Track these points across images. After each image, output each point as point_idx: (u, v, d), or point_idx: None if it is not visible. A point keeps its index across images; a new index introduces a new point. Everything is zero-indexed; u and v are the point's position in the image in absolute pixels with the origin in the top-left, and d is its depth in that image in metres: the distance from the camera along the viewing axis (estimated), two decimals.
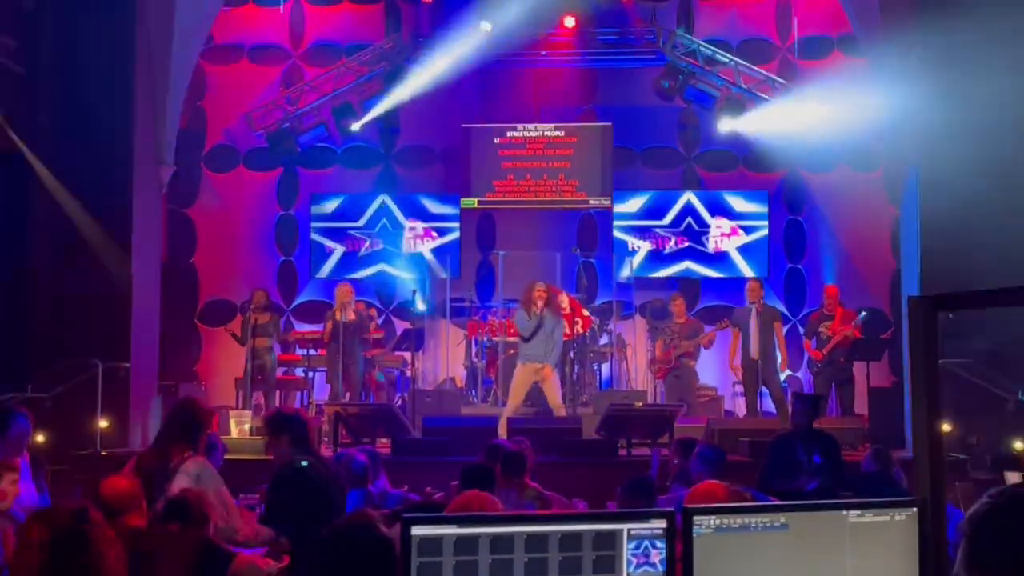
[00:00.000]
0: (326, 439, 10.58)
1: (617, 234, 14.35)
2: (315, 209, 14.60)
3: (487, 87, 14.84)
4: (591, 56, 14.42)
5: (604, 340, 13.32)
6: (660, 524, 2.50)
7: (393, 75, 14.09)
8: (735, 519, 2.54)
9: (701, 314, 13.82)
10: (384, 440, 10.36)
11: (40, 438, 9.76)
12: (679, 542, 2.50)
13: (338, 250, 14.55)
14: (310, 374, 13.30)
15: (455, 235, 14.55)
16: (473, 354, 13.13)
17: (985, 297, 2.64)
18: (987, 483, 8.51)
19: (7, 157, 10.94)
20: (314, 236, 14.57)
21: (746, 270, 14.01)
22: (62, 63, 11.26)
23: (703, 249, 14.27)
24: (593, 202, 14.44)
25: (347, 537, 2.80)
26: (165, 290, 12.62)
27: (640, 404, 11.04)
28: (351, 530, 2.83)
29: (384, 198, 14.63)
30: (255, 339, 12.16)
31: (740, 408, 12.92)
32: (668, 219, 14.33)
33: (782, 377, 12.25)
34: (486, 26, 13.90)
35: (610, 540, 2.46)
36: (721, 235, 14.24)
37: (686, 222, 14.29)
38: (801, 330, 12.94)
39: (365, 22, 14.83)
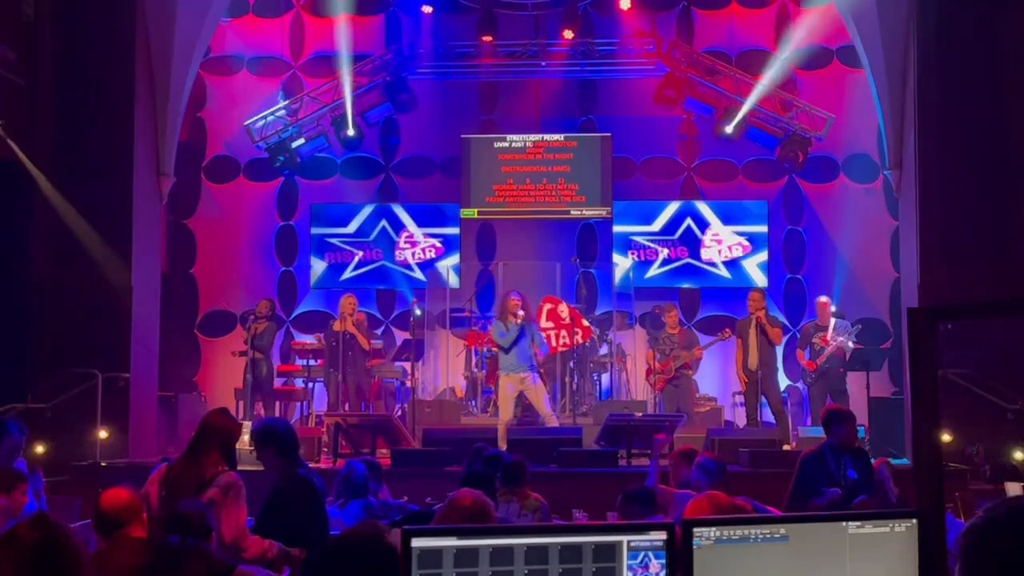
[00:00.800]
0: (326, 450, 10.59)
1: (616, 244, 14.36)
2: (315, 220, 14.61)
3: (487, 98, 14.88)
4: (590, 67, 14.45)
5: (604, 350, 13.32)
6: (660, 536, 2.50)
7: (393, 86, 14.13)
8: (735, 531, 2.54)
9: (701, 324, 13.84)
10: (384, 450, 10.36)
11: (40, 448, 9.79)
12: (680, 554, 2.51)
13: (338, 261, 14.55)
14: (310, 385, 13.29)
15: (455, 245, 14.56)
16: (473, 364, 13.13)
17: (983, 308, 2.65)
18: (987, 493, 8.51)
19: (7, 167, 10.96)
20: (314, 246, 14.57)
21: (745, 280, 14.01)
22: (62, 74, 11.29)
23: (702, 259, 14.27)
24: (593, 212, 14.45)
25: (355, 547, 2.79)
26: (165, 301, 12.63)
27: (640, 414, 11.03)
28: (359, 540, 2.82)
29: (384, 208, 14.64)
30: (253, 350, 12.16)
31: (740, 418, 12.91)
32: (668, 229, 14.33)
33: (782, 387, 12.25)
34: (486, 38, 13.96)
35: (610, 552, 2.46)
36: (720, 245, 14.23)
37: (685, 232, 14.28)
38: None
39: (365, 33, 14.86)
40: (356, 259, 14.54)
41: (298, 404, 13.44)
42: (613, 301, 13.99)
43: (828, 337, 11.63)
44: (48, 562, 2.66)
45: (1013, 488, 7.81)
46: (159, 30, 11.79)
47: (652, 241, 14.33)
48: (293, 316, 14.71)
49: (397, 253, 14.55)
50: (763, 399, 11.61)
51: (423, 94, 14.47)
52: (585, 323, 12.58)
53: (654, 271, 14.33)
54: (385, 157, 14.96)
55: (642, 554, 2.48)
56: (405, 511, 6.54)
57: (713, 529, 2.52)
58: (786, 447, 10.64)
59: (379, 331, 14.02)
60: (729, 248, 14.21)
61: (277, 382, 12.89)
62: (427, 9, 14.02)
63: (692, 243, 14.27)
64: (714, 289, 14.34)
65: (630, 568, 2.47)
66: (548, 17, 14.42)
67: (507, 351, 10.73)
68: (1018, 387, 9.89)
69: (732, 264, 14.22)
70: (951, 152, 10.73)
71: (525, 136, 14.53)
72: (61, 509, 6.75)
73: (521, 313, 10.69)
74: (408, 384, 12.67)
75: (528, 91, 14.90)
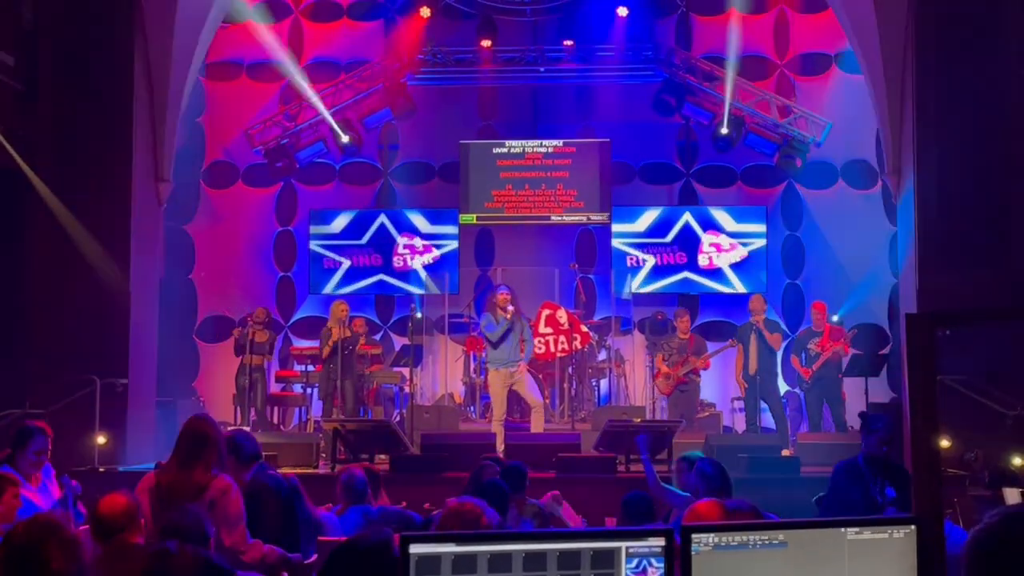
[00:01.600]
0: (324, 455, 10.58)
1: (615, 250, 14.35)
2: (313, 225, 14.60)
3: (485, 104, 14.88)
4: (589, 72, 14.46)
5: (602, 356, 13.32)
6: (658, 542, 2.50)
7: (392, 92, 14.14)
8: (734, 537, 2.54)
9: (699, 330, 13.82)
10: (382, 456, 10.34)
11: None
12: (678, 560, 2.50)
13: (337, 266, 14.55)
14: (308, 390, 13.28)
15: (453, 251, 14.56)
16: (471, 370, 13.13)
17: (983, 314, 2.65)
18: (985, 500, 8.51)
19: (5, 173, 10.95)
20: (313, 252, 14.57)
21: (744, 286, 14.01)
22: (61, 79, 11.28)
23: (701, 265, 14.27)
24: (591, 218, 14.45)
25: (365, 553, 2.78)
26: (163, 306, 12.60)
27: (639, 420, 11.03)
28: (370, 545, 2.81)
29: (382, 214, 14.65)
30: (251, 355, 12.15)
31: (739, 424, 12.91)
32: (666, 235, 14.33)
33: (781, 392, 12.26)
34: (485, 43, 13.98)
35: (608, 558, 2.46)
36: (719, 251, 14.24)
37: (684, 237, 14.27)
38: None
39: (364, 39, 14.88)
40: (355, 264, 14.52)
41: (296, 410, 13.43)
42: (612, 307, 13.99)
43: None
44: None
45: (1012, 494, 7.80)
46: (158, 35, 11.78)
47: (650, 247, 14.32)
48: (291, 322, 14.70)
49: (395, 259, 14.54)
50: (763, 405, 11.63)
51: (422, 100, 14.48)
52: (584, 328, 12.59)
53: (652, 276, 14.32)
54: (384, 163, 14.96)
55: (641, 560, 2.48)
56: (404, 518, 6.52)
57: (712, 535, 2.52)
58: (785, 452, 10.66)
59: (378, 336, 14.01)
60: (727, 253, 14.21)
61: (275, 388, 12.88)
62: (425, 13, 14.02)
63: (690, 248, 14.26)
64: (712, 295, 14.34)
65: (628, 573, 2.46)
66: (547, 23, 14.45)
67: (495, 345, 10.84)
68: (1017, 392, 9.88)
69: (729, 270, 14.21)
70: (950, 158, 10.73)
71: (524, 142, 14.53)
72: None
73: (511, 308, 10.78)
74: (406, 389, 12.67)
75: (527, 97, 14.92)
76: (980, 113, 10.64)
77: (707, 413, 12.71)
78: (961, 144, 10.66)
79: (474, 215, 14.53)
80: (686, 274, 14.25)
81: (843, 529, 2.61)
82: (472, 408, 13.01)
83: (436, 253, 14.52)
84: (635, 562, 2.47)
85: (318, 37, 14.89)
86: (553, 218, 14.49)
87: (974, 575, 1.91)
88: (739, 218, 14.25)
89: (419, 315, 13.15)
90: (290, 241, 14.89)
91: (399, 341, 14.10)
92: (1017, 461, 9.51)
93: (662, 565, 2.49)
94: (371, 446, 10.42)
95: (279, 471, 6.22)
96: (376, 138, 14.80)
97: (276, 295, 14.71)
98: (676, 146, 14.78)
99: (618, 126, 14.67)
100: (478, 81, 14.59)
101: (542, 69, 14.42)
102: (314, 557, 5.27)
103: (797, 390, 12.67)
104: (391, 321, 14.66)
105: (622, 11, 13.86)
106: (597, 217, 14.43)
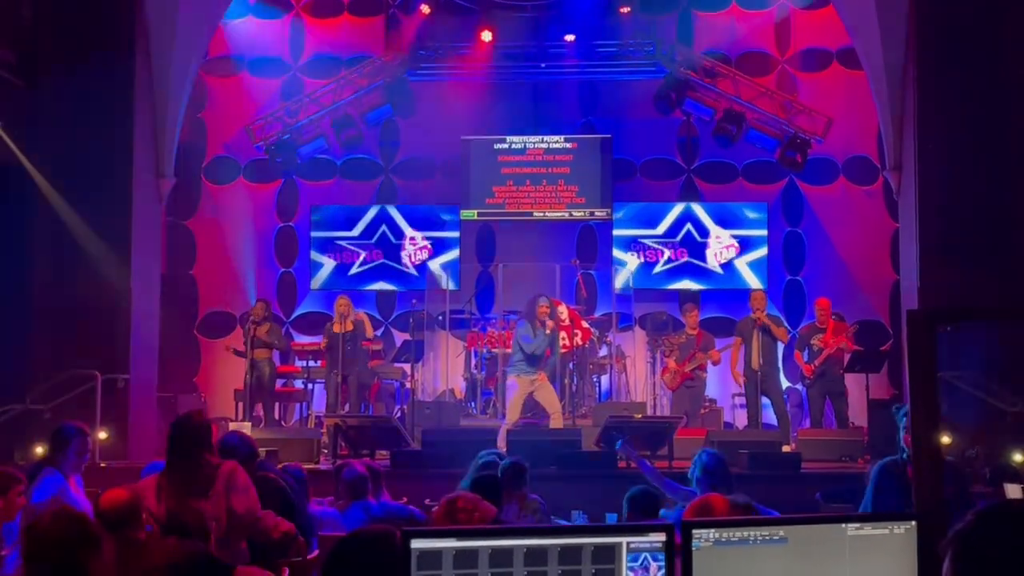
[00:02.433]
0: (325, 451, 10.58)
1: (616, 246, 14.36)
2: (315, 221, 14.61)
3: (486, 100, 14.86)
4: (590, 68, 14.45)
5: (603, 352, 13.32)
6: (659, 537, 2.50)
7: (393, 87, 14.13)
8: (735, 532, 2.54)
9: (700, 325, 13.82)
10: (383, 452, 10.35)
11: (39, 450, 9.78)
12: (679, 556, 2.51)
13: (338, 262, 14.55)
14: (310, 386, 13.29)
15: (455, 247, 14.57)
16: (472, 366, 13.13)
17: (984, 312, 2.65)
18: (986, 496, 8.50)
19: (7, 169, 10.96)
20: (314, 248, 14.57)
21: (745, 282, 14.01)
22: (62, 75, 11.27)
23: (702, 261, 14.27)
24: (593, 213, 14.45)
25: (368, 544, 2.78)
26: (164, 302, 12.62)
27: (640, 416, 11.03)
28: (372, 538, 2.81)
29: (384, 210, 14.64)
30: (254, 350, 12.16)
31: (740, 420, 12.91)
32: (667, 231, 14.33)
33: (783, 387, 12.25)
34: (486, 36, 13.96)
35: (609, 554, 2.46)
36: (720, 247, 14.24)
37: (685, 233, 14.28)
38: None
39: (365, 34, 14.87)
40: (356, 260, 14.53)
41: (297, 405, 13.44)
42: (613, 303, 13.99)
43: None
44: None
45: (1012, 490, 7.80)
46: (159, 31, 11.78)
47: (652, 243, 14.32)
48: (293, 317, 14.70)
49: (396, 254, 14.55)
50: (764, 400, 11.61)
51: (423, 95, 14.46)
52: (585, 324, 12.59)
53: (653, 272, 14.32)
54: (385, 158, 14.96)
55: (642, 555, 2.48)
56: (405, 513, 6.53)
57: (712, 531, 2.53)
58: (786, 448, 10.66)
59: (379, 332, 14.01)
60: (728, 249, 14.21)
61: (277, 383, 12.88)
62: (425, 9, 14.01)
63: (691, 244, 14.26)
64: (713, 291, 14.33)
65: (630, 569, 2.47)
66: (548, 18, 14.42)
67: (529, 358, 10.63)
68: (1017, 389, 9.88)
69: (730, 266, 14.22)
70: (951, 154, 10.73)
71: (525, 138, 14.53)
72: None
73: (550, 322, 10.67)
74: (408, 385, 12.67)
75: (528, 93, 14.90)
76: (982, 108, 10.63)
77: (707, 408, 12.71)
78: (963, 140, 10.66)
79: (475, 211, 14.53)
80: (687, 271, 14.26)
81: (844, 525, 2.61)
82: (473, 404, 13.01)
83: (437, 248, 14.52)
84: (636, 558, 2.47)
85: (319, 33, 14.87)
86: (554, 214, 14.49)
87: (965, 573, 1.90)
88: (740, 214, 14.26)
89: (422, 311, 13.15)
90: (291, 237, 14.89)
91: (400, 337, 14.10)
92: (1018, 457, 9.51)
93: (663, 560, 2.49)
94: (372, 442, 10.42)
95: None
96: (377, 134, 14.79)
97: (277, 291, 14.71)
98: (677, 142, 14.76)
99: (619, 122, 14.67)
100: (479, 77, 14.57)
101: (543, 65, 14.39)
102: (315, 552, 5.29)
103: (799, 386, 12.67)
104: (392, 317, 14.66)
105: (624, 9, 13.87)
106: (598, 213, 14.43)
